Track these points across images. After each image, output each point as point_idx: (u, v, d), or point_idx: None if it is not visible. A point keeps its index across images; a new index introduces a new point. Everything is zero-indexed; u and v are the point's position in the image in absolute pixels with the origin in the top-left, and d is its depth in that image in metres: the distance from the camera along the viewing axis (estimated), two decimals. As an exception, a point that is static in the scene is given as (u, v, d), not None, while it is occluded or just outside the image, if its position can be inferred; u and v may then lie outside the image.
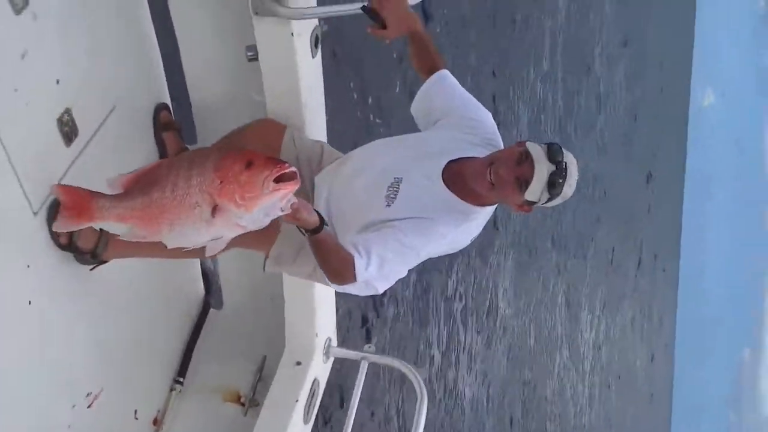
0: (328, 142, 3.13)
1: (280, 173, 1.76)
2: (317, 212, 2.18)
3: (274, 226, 2.72)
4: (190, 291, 3.66)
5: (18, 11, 2.24)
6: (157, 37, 3.17)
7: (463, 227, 2.59)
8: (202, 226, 1.83)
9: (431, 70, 2.78)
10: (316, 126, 3.09)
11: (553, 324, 11.47)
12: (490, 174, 2.43)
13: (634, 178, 17.34)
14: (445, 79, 2.79)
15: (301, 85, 2.87)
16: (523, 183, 2.37)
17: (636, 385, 19.22)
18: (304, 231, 2.21)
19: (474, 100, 2.80)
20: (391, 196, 2.57)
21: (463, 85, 2.82)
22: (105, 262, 2.68)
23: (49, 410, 2.50)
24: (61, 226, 2.01)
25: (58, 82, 2.46)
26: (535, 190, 2.37)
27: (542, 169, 2.35)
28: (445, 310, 7.54)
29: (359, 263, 2.38)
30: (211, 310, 3.72)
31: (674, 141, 24.20)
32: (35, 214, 2.35)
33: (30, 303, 2.31)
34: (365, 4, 2.67)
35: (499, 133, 2.74)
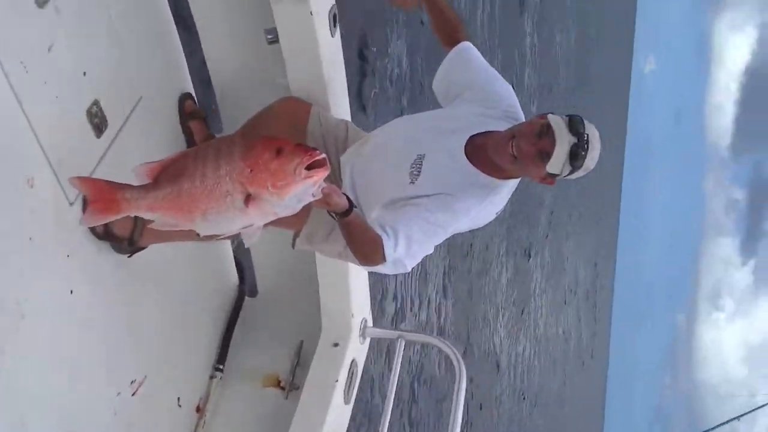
0: (351, 120, 3.13)
1: (311, 160, 1.76)
2: (346, 195, 2.19)
3: (305, 206, 2.74)
4: (225, 280, 3.68)
5: (41, 5, 2.26)
6: (177, 27, 3.19)
7: (487, 201, 2.59)
8: (236, 215, 1.82)
9: (452, 42, 2.78)
10: (339, 104, 3.10)
11: (498, 281, 11.41)
12: (512, 147, 2.42)
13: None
14: (465, 51, 2.77)
15: (323, 63, 2.87)
16: (545, 155, 2.37)
17: (575, 346, 19.27)
18: (333, 215, 2.22)
19: (493, 72, 2.79)
20: (414, 173, 2.57)
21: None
22: (142, 248, 2.71)
23: (95, 397, 2.53)
24: (90, 220, 1.96)
25: (84, 74, 2.48)
26: (557, 163, 2.37)
27: (563, 141, 2.35)
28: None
29: (387, 244, 2.39)
30: (246, 298, 3.74)
31: (617, 105, 24.18)
32: (71, 204, 2.38)
33: (72, 292, 2.34)
34: None
35: (519, 106, 2.73)
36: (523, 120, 2.67)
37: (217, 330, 3.53)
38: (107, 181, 1.95)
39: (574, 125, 2.37)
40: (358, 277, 3.36)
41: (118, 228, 2.58)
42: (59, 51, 2.33)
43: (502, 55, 10.59)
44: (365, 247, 2.43)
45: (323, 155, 1.78)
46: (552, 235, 15.07)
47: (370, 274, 3.47)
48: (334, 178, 2.92)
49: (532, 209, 13.25)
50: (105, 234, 2.56)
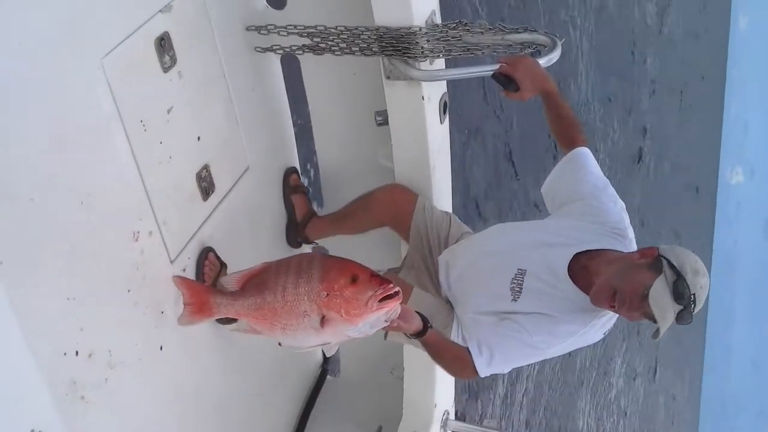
0: (454, 210, 3.13)
1: (384, 294, 1.83)
2: (420, 315, 2.22)
3: (404, 291, 2.71)
4: (309, 357, 3.65)
5: (166, 69, 2.37)
6: (289, 100, 3.28)
7: (590, 325, 2.48)
8: (312, 333, 1.92)
9: (569, 144, 2.69)
10: (442, 192, 3.10)
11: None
12: (613, 301, 2.32)
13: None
14: (578, 159, 2.66)
15: (429, 149, 2.89)
16: (649, 318, 2.28)
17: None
18: (408, 335, 2.26)
19: (605, 184, 2.65)
20: (516, 289, 2.52)
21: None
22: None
23: None
24: (185, 321, 2.13)
25: (199, 138, 2.56)
26: (663, 330, 2.28)
27: (668, 314, 2.25)
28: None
29: (479, 361, 2.41)
30: (328, 376, 3.70)
31: (703, 215, 23.22)
32: (172, 262, 2.42)
33: (161, 348, 2.35)
34: (495, 70, 2.68)
35: (628, 222, 2.60)
36: (630, 238, 2.56)
37: (296, 406, 3.48)
38: (202, 284, 2.15)
39: (680, 291, 2.24)
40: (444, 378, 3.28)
41: None
42: (178, 114, 2.42)
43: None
44: (452, 364, 2.51)
45: (396, 288, 1.84)
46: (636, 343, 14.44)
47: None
48: (431, 273, 2.89)
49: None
50: None
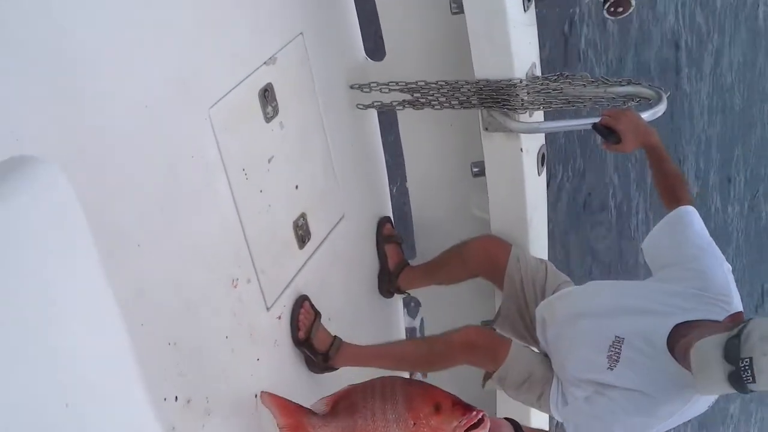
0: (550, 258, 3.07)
1: (469, 424, 1.85)
2: (511, 421, 2.21)
3: (504, 346, 2.66)
4: None
5: (268, 119, 2.41)
6: (384, 151, 3.30)
7: (692, 401, 2.34)
8: None
9: (673, 200, 2.58)
10: (538, 245, 3.05)
11: None
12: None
13: None
14: (683, 217, 2.54)
15: (527, 201, 2.86)
16: None
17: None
18: None
19: (711, 246, 2.51)
20: (614, 357, 2.42)
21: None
22: (333, 369, 2.71)
23: None
24: None
25: (297, 187, 2.59)
26: (700, 385, 2.12)
27: (711, 372, 2.05)
28: None
29: None
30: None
31: None
32: (268, 309, 2.43)
33: (256, 396, 2.35)
34: (597, 122, 2.63)
35: (734, 286, 2.44)
36: (736, 305, 2.39)
37: None
38: (294, 404, 2.18)
39: (731, 351, 2.03)
40: (540, 425, 3.18)
41: (318, 341, 2.63)
42: (278, 163, 2.46)
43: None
44: None
45: (481, 414, 1.85)
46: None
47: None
48: (529, 325, 2.86)
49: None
50: (304, 342, 2.61)
